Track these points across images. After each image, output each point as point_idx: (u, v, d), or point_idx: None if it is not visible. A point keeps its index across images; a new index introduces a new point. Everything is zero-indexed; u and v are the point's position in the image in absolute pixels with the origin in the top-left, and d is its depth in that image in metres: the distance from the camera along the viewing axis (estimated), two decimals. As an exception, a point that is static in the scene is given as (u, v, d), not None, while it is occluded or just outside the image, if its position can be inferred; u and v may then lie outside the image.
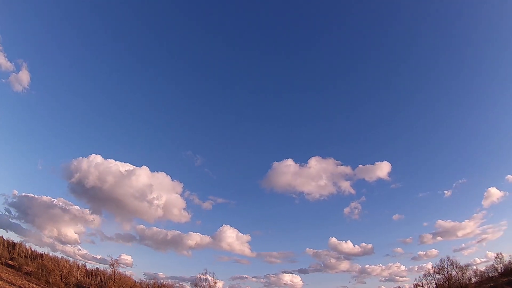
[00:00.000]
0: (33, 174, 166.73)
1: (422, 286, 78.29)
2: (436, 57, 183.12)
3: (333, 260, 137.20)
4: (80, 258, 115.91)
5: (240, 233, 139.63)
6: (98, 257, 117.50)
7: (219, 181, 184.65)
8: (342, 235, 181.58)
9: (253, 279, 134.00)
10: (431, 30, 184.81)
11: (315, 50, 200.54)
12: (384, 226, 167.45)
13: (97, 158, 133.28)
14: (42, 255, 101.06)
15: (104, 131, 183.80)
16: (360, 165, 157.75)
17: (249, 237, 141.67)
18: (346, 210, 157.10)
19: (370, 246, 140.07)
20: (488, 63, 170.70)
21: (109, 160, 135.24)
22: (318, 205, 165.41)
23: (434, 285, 75.64)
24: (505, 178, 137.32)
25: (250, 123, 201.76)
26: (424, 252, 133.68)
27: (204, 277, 74.67)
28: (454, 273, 71.65)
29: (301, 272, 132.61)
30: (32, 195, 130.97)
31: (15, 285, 55.67)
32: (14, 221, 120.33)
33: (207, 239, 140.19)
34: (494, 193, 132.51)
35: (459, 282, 69.84)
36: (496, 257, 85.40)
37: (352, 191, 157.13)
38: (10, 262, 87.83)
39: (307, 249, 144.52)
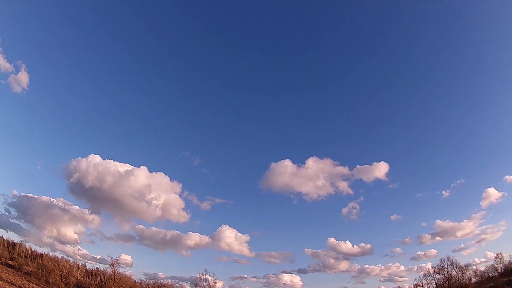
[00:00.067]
0: (32, 174, 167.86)
1: (422, 286, 78.37)
2: (435, 58, 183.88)
3: (332, 260, 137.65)
4: (80, 258, 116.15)
5: (239, 233, 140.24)
6: (98, 257, 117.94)
7: (217, 182, 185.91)
8: (340, 235, 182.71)
9: (253, 279, 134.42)
10: (431, 30, 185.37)
11: (311, 51, 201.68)
12: (383, 227, 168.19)
13: (95, 158, 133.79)
14: (42, 255, 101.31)
15: (103, 131, 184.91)
16: (357, 166, 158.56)
17: (248, 237, 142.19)
18: (344, 210, 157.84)
19: (369, 246, 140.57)
20: (487, 64, 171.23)
21: (108, 160, 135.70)
22: (316, 205, 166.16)
23: (434, 285, 75.68)
24: (504, 179, 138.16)
25: (248, 123, 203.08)
26: (423, 252, 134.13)
27: (204, 277, 74.82)
28: (454, 273, 71.74)
29: (300, 272, 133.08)
30: (32, 195, 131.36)
31: (15, 285, 55.65)
32: (13, 221, 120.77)
33: (206, 239, 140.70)
34: (493, 193, 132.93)
35: (459, 282, 69.86)
36: (496, 257, 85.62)
37: (350, 192, 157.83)
38: (10, 262, 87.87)
39: (306, 249, 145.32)
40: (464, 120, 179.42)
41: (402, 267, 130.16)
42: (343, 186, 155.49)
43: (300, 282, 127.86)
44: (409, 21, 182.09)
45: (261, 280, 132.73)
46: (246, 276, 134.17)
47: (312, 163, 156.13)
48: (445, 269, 72.70)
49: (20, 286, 56.59)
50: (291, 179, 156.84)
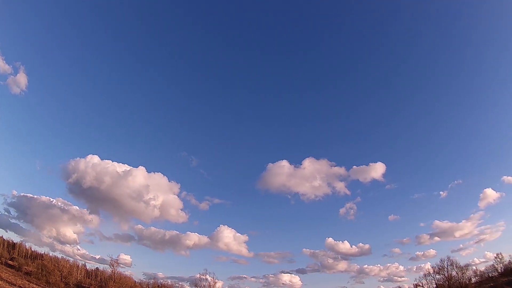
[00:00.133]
0: (31, 174, 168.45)
1: (422, 286, 78.48)
2: (432, 58, 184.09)
3: (330, 260, 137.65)
4: (79, 258, 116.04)
5: (238, 233, 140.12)
6: (97, 257, 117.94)
7: (215, 182, 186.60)
8: (338, 236, 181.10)
9: (252, 279, 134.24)
10: (431, 30, 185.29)
11: (309, 52, 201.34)
12: (380, 227, 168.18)
13: (94, 159, 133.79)
14: (42, 255, 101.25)
15: (101, 132, 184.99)
16: (354, 166, 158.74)
17: (246, 237, 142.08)
18: (342, 210, 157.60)
19: (367, 246, 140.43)
20: (486, 64, 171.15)
21: (106, 160, 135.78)
22: (314, 206, 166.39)
23: (434, 285, 75.78)
24: (501, 179, 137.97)
25: (244, 124, 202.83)
26: (422, 253, 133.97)
27: (204, 277, 74.93)
28: (454, 273, 71.86)
29: (299, 272, 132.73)
30: (31, 195, 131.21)
31: (15, 285, 55.70)
32: (13, 221, 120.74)
33: (204, 239, 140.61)
34: (490, 194, 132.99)
35: (459, 282, 69.93)
36: (496, 257, 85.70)
37: (347, 192, 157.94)
38: (10, 262, 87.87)
39: (304, 249, 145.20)
40: (462, 121, 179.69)
41: (401, 267, 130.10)
42: (340, 186, 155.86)
43: (300, 282, 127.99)
44: (409, 21, 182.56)
45: (261, 280, 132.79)
46: (245, 276, 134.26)
47: (308, 164, 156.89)
48: (445, 269, 72.89)
49: (20, 286, 56.64)
50: (288, 180, 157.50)
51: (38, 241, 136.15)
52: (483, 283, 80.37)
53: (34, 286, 62.85)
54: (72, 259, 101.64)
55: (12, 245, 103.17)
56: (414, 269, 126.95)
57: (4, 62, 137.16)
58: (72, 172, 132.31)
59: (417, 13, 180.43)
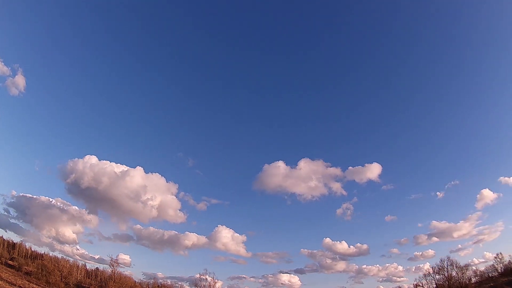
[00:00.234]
0: (30, 174, 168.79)
1: (422, 286, 78.47)
2: (430, 59, 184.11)
3: (328, 261, 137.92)
4: (78, 258, 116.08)
5: (236, 234, 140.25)
6: (96, 257, 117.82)
7: (211, 183, 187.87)
8: (336, 236, 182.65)
9: (251, 279, 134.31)
10: (430, 31, 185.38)
11: (302, 54, 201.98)
12: (378, 227, 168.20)
13: (92, 159, 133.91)
14: (42, 255, 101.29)
15: (99, 132, 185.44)
16: (349, 167, 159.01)
17: (245, 237, 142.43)
18: (339, 211, 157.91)
19: (365, 246, 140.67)
20: (485, 64, 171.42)
21: (104, 161, 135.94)
22: (310, 206, 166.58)
23: (434, 285, 75.76)
24: (498, 180, 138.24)
25: (240, 125, 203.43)
26: (421, 253, 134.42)
27: (204, 277, 74.93)
28: (454, 273, 71.83)
29: (298, 272, 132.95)
30: (30, 196, 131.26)
31: (15, 285, 55.71)
32: (13, 221, 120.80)
33: (203, 239, 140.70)
34: (488, 194, 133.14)
35: (459, 282, 69.93)
36: (496, 257, 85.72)
37: (344, 193, 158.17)
38: (10, 262, 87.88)
39: (302, 249, 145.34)
40: (458, 121, 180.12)
41: (400, 267, 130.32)
42: (336, 187, 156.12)
43: (299, 282, 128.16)
44: (409, 21, 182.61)
45: (260, 280, 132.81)
46: (244, 276, 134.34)
47: (304, 164, 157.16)
48: (445, 269, 72.87)
49: (20, 286, 56.66)
50: (284, 180, 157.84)
51: (38, 241, 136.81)
52: (483, 283, 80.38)
53: (34, 286, 62.85)
54: (71, 259, 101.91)
55: (12, 245, 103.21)
56: (413, 270, 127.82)
57: (3, 64, 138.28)
58: (70, 172, 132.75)
59: (417, 13, 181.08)
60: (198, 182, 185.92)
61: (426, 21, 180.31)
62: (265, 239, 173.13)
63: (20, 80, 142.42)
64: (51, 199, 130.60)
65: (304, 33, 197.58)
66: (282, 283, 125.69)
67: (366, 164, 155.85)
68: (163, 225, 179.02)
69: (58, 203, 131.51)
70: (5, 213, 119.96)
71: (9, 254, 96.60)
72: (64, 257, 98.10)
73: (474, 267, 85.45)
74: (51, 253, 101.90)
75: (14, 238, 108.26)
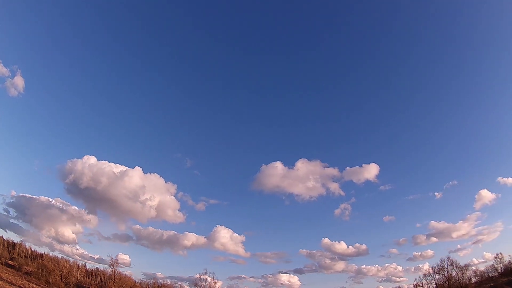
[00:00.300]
0: (30, 175, 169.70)
1: (422, 286, 78.47)
2: (428, 59, 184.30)
3: (327, 261, 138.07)
4: (78, 257, 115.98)
5: (235, 234, 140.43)
6: (96, 256, 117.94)
7: (210, 183, 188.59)
8: (334, 236, 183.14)
9: (251, 279, 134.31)
10: (430, 31, 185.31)
11: (299, 55, 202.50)
12: (376, 227, 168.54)
13: (91, 159, 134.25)
14: (42, 255, 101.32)
15: (98, 132, 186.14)
16: (347, 168, 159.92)
17: (243, 237, 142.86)
18: (337, 211, 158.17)
19: (364, 246, 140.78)
20: (485, 65, 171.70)
21: (103, 161, 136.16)
22: (308, 206, 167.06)
23: (434, 285, 75.75)
24: (497, 180, 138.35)
25: (238, 126, 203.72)
26: (420, 253, 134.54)
27: (204, 277, 74.93)
28: (454, 273, 71.81)
29: (297, 272, 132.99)
30: (30, 196, 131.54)
31: (15, 285, 55.67)
32: (12, 221, 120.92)
33: (202, 239, 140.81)
34: (486, 195, 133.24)
35: (459, 282, 69.91)
36: (496, 257, 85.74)
37: (342, 193, 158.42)
38: (10, 262, 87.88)
39: (301, 249, 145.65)
40: (456, 122, 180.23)
41: (400, 268, 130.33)
42: (334, 187, 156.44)
43: (298, 282, 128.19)
44: (409, 21, 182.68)
45: (259, 280, 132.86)
46: (244, 276, 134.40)
47: (301, 165, 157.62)
48: (445, 269, 72.85)
49: (20, 286, 56.61)
50: (282, 181, 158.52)
51: (37, 241, 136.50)
52: (483, 283, 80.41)
53: (34, 286, 62.81)
54: (71, 259, 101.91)
55: (12, 245, 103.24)
56: (412, 270, 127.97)
57: (2, 65, 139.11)
58: (69, 172, 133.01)
59: (417, 13, 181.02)
60: (197, 183, 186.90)
61: (426, 21, 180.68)
62: (263, 239, 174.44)
63: (19, 81, 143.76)
64: (50, 199, 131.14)
65: (303, 33, 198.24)
66: (281, 283, 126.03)
67: (363, 165, 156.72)
68: (162, 225, 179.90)
69: (58, 203, 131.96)
70: (5, 213, 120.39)
71: (9, 254, 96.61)
72: (64, 257, 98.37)
73: (474, 267, 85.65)
74: (50, 253, 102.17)
75: (14, 238, 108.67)
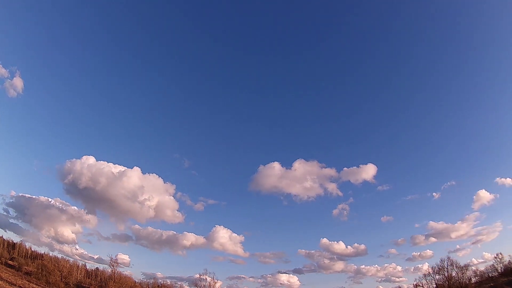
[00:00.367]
0: (29, 175, 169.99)
1: (422, 286, 78.45)
2: (427, 60, 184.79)
3: (326, 261, 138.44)
4: (78, 257, 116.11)
5: (234, 234, 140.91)
6: (95, 256, 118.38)
7: (208, 183, 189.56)
8: (333, 236, 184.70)
9: (251, 279, 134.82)
10: (430, 31, 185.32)
11: (297, 55, 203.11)
12: (374, 228, 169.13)
13: (89, 160, 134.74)
14: (42, 255, 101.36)
15: (97, 133, 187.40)
16: (344, 168, 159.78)
17: (242, 237, 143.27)
18: (335, 211, 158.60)
19: (363, 247, 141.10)
20: (484, 65, 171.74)
21: (102, 161, 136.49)
22: (306, 207, 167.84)
23: (434, 285, 75.73)
24: (495, 181, 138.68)
25: (236, 126, 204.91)
26: (419, 253, 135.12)
27: (204, 277, 74.92)
28: (454, 273, 71.76)
29: (296, 272, 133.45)
30: (30, 196, 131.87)
31: (15, 285, 55.64)
32: (12, 221, 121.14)
33: (201, 239, 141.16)
34: (484, 195, 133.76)
35: (459, 282, 69.88)
36: (495, 257, 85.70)
37: (339, 193, 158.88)
38: (10, 262, 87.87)
39: (299, 249, 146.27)
40: (455, 122, 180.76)
41: (399, 268, 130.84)
42: (332, 187, 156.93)
43: (298, 282, 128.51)
44: (409, 21, 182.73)
45: (259, 280, 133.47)
46: (243, 276, 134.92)
47: (299, 165, 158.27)
48: (445, 269, 72.79)
49: (20, 286, 56.58)
50: (280, 181, 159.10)
51: (37, 241, 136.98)
52: (483, 283, 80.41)
53: (34, 286, 62.78)
54: (71, 259, 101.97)
55: (12, 245, 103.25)
56: (412, 270, 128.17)
57: (1, 66, 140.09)
58: (68, 172, 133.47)
59: (417, 13, 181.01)
60: (195, 183, 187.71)
61: (425, 21, 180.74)
62: (262, 240, 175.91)
63: (18, 82, 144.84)
64: (50, 199, 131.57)
65: (302, 34, 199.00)
66: (281, 283, 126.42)
67: (361, 165, 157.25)
68: (161, 225, 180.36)
69: (57, 203, 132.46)
70: (5, 213, 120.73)
71: (9, 254, 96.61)
72: (64, 257, 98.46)
73: (474, 267, 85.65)
74: (50, 253, 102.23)
75: (14, 238, 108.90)
